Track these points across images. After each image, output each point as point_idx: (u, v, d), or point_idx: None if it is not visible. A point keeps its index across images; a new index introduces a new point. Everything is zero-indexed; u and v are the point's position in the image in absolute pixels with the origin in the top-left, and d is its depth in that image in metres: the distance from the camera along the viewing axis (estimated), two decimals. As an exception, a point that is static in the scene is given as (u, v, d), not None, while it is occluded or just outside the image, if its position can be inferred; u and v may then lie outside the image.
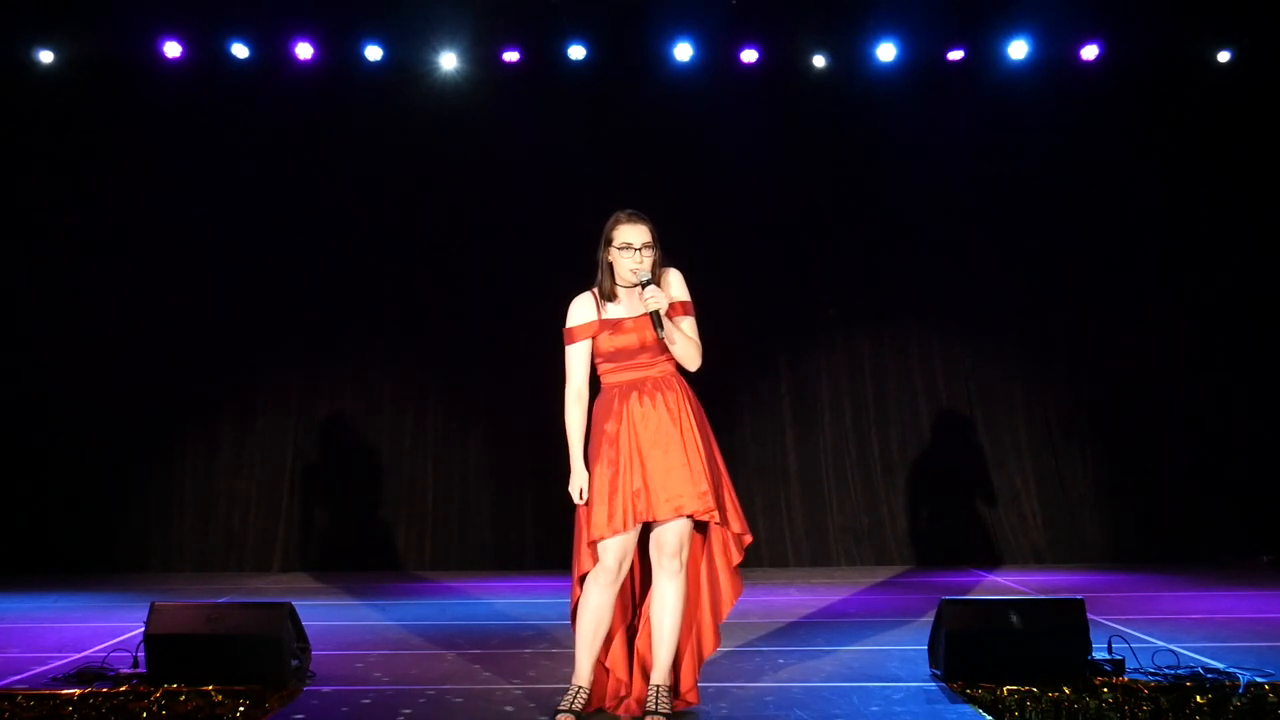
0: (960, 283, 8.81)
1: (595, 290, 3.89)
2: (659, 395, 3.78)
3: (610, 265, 3.86)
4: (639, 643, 3.92)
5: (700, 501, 3.69)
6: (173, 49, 8.45)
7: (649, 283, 3.73)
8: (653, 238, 3.81)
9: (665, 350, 3.82)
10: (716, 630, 3.95)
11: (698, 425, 3.79)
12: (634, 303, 3.85)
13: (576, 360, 3.87)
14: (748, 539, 3.86)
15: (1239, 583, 7.23)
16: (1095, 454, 8.72)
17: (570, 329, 3.88)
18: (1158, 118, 8.78)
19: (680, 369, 3.89)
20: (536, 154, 8.73)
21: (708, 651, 3.94)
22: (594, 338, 3.85)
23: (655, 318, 3.71)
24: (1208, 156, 8.75)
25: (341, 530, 8.53)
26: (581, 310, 3.87)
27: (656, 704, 3.71)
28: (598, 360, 3.88)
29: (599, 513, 3.70)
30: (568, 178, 8.61)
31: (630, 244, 3.79)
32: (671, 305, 3.81)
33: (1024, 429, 8.75)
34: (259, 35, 8.46)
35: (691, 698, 3.89)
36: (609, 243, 3.85)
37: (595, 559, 3.73)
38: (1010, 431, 8.75)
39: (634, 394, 3.79)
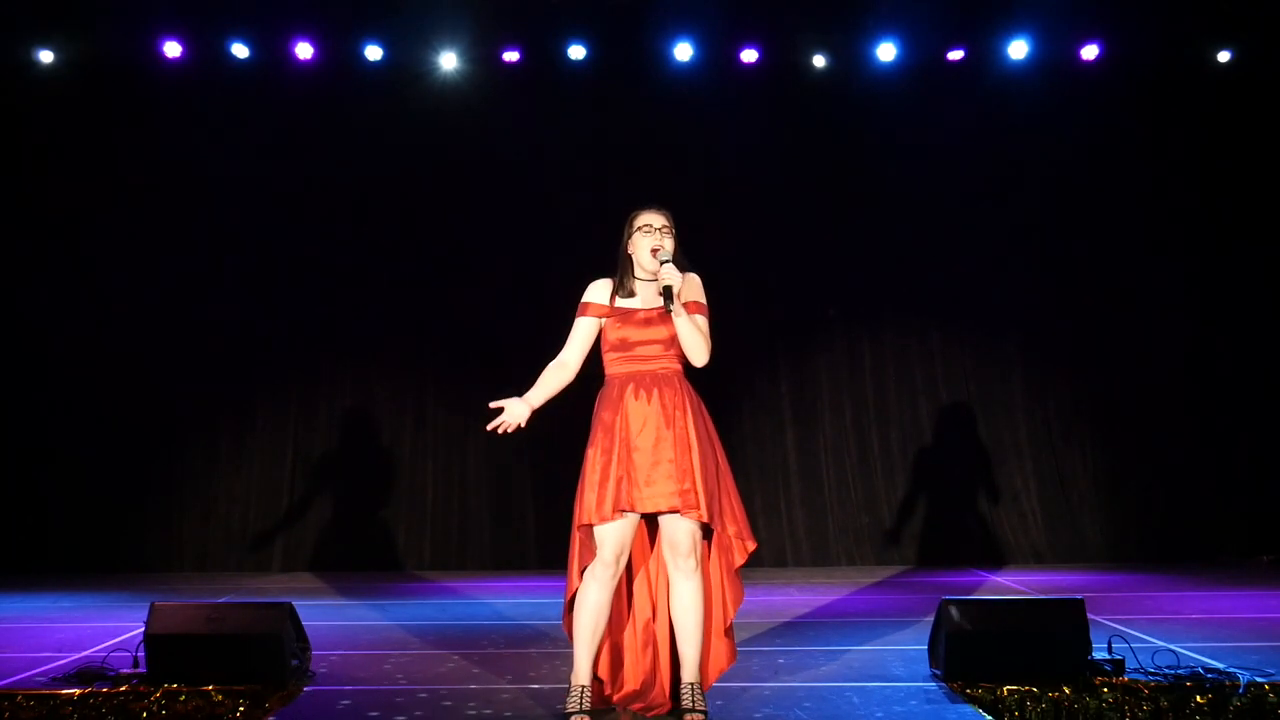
0: (960, 282, 8.82)
1: (615, 280, 3.94)
2: (655, 390, 3.80)
3: (630, 258, 3.92)
4: (625, 638, 3.93)
5: (680, 499, 3.70)
6: (173, 49, 8.46)
7: (666, 262, 3.78)
8: (672, 226, 3.90)
9: (672, 347, 3.84)
10: (727, 635, 3.93)
11: (694, 425, 3.78)
12: (650, 298, 3.89)
13: (576, 333, 3.94)
14: (751, 545, 3.83)
15: (1239, 583, 7.23)
16: (1095, 454, 8.72)
17: (584, 302, 3.95)
18: (1158, 117, 8.78)
19: (687, 369, 3.90)
20: (536, 154, 8.73)
21: (725, 662, 3.92)
22: (602, 322, 3.90)
23: (667, 293, 3.74)
24: (1208, 156, 8.76)
25: (341, 530, 8.53)
26: (598, 291, 3.95)
27: (693, 702, 3.72)
28: (605, 350, 3.92)
29: (588, 498, 3.74)
30: (567, 177, 8.61)
31: (650, 224, 3.88)
32: (687, 304, 3.83)
33: (1024, 429, 8.76)
34: (259, 35, 8.47)
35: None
36: (630, 230, 3.92)
37: (594, 551, 3.74)
38: (1010, 431, 8.75)
39: (631, 385, 3.82)
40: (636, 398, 3.79)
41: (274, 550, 8.49)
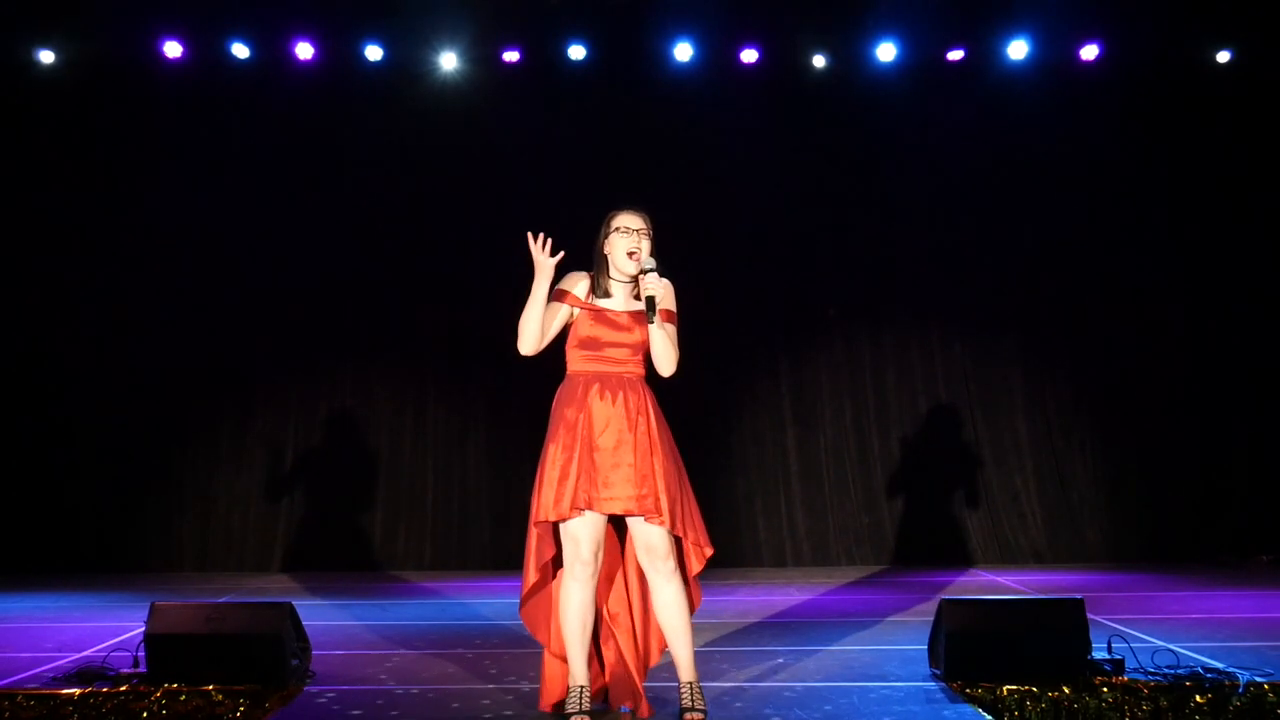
0: (960, 282, 8.81)
1: (592, 277, 3.92)
2: (620, 393, 3.80)
3: (606, 258, 3.89)
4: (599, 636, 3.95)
5: (636, 504, 3.71)
6: (173, 49, 8.46)
7: (648, 270, 3.76)
8: (649, 228, 3.86)
9: (639, 352, 3.85)
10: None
11: (656, 430, 3.79)
12: (625, 300, 3.88)
13: (551, 314, 3.87)
14: (708, 551, 3.84)
15: (1239, 583, 7.23)
16: (1095, 454, 8.72)
17: (559, 289, 3.91)
18: (1157, 118, 8.78)
19: (650, 375, 3.90)
20: (536, 154, 8.73)
21: (654, 660, 3.96)
22: (573, 314, 3.88)
23: (649, 303, 3.73)
24: (1207, 156, 8.75)
25: (342, 530, 8.52)
26: (574, 282, 3.92)
27: (693, 701, 3.73)
28: (571, 344, 3.90)
29: (547, 495, 3.75)
30: (567, 178, 8.61)
31: (628, 226, 3.85)
32: (660, 312, 3.82)
33: (1024, 429, 8.75)
34: (259, 35, 8.47)
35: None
36: (607, 231, 3.89)
37: (551, 546, 3.77)
38: (1010, 431, 8.75)
39: (596, 385, 3.82)
40: (601, 398, 3.79)
41: (274, 550, 8.49)
